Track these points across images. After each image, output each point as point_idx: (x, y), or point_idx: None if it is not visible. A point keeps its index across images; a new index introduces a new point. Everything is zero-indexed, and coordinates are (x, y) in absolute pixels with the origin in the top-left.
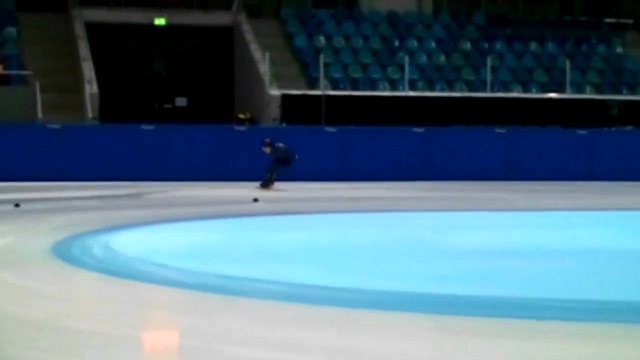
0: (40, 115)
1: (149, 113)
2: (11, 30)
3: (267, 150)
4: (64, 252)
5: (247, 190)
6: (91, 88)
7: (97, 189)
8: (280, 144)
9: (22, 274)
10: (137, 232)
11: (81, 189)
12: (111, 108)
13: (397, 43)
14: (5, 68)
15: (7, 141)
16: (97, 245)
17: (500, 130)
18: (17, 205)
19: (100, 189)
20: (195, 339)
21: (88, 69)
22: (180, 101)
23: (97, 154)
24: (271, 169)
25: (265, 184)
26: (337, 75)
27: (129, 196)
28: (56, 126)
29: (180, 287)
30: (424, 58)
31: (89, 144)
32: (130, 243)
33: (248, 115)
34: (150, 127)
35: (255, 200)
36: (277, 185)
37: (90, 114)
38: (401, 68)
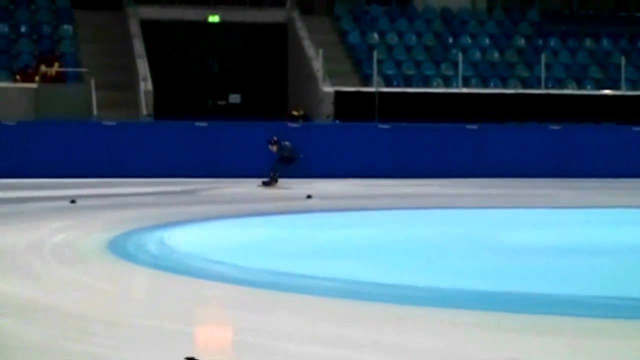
0: (95, 112)
1: (202, 110)
2: (67, 28)
3: (274, 148)
4: (120, 248)
5: (299, 186)
6: (146, 85)
7: (152, 186)
8: (287, 142)
9: (79, 269)
10: (191, 228)
11: (136, 186)
12: (165, 105)
13: (450, 40)
14: (61, 66)
15: (64, 138)
16: (152, 242)
17: (554, 127)
18: (73, 201)
19: (155, 185)
20: (250, 335)
21: (143, 67)
22: (234, 98)
23: (152, 151)
24: (275, 168)
25: (269, 182)
26: (390, 72)
27: (183, 193)
28: (111, 123)
29: (235, 283)
30: (477, 55)
31: (144, 140)
32: (185, 239)
33: (301, 112)
34: (204, 124)
35: (309, 197)
36: (281, 182)
37: (144, 111)
38: (455, 65)
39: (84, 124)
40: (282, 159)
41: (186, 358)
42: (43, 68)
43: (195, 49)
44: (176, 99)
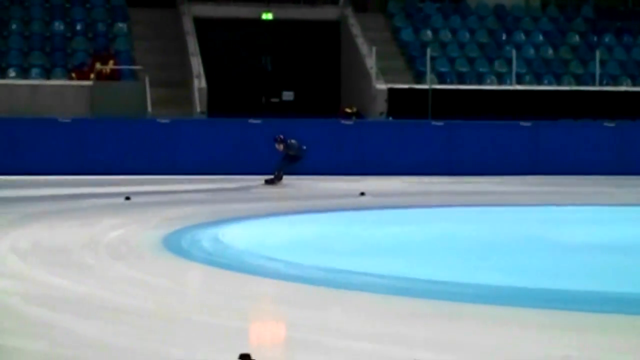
0: (149, 109)
1: (256, 107)
2: (122, 26)
3: (281, 147)
4: (174, 245)
5: (352, 183)
6: (199, 83)
7: (205, 183)
8: (293, 140)
9: (134, 266)
10: (245, 225)
11: (190, 183)
12: (219, 102)
13: (504, 36)
14: (116, 63)
15: (118, 135)
16: (206, 238)
17: (609, 124)
18: (127, 198)
19: (209, 182)
20: (304, 331)
21: (196, 64)
22: (287, 95)
23: (205, 148)
24: (280, 166)
25: (272, 180)
26: (443, 69)
27: (236, 190)
28: (165, 120)
29: (289, 280)
30: (531, 51)
31: (197, 138)
32: (239, 236)
33: (355, 109)
34: (258, 121)
35: (362, 194)
36: (285, 180)
37: (198, 108)
38: (508, 62)
39: (138, 121)
40: (288, 158)
41: (240, 354)
42: (98, 66)
43: (249, 47)
44: (230, 96)
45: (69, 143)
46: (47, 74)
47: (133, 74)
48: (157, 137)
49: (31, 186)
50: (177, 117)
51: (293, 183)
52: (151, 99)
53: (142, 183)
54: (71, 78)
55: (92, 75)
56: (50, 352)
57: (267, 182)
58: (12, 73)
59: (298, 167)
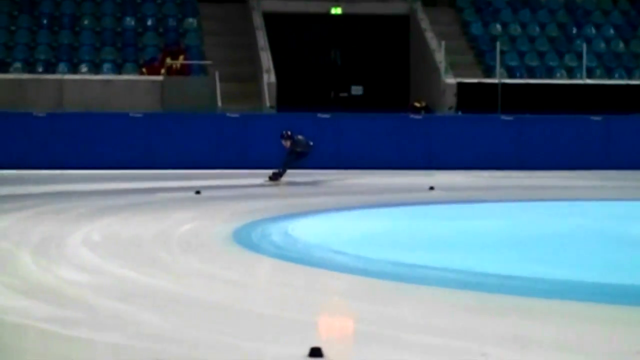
0: (219, 104)
1: (325, 101)
2: (192, 21)
3: (287, 143)
4: (244, 239)
5: (421, 177)
6: (269, 77)
7: None
8: (300, 137)
9: (205, 259)
10: (314, 219)
11: (259, 177)
12: (288, 97)
13: (574, 30)
14: (186, 58)
15: (189, 130)
16: (276, 232)
17: None
18: (198, 192)
19: None
20: (373, 325)
21: (266, 59)
22: (356, 90)
23: (275, 142)
24: (287, 162)
25: (276, 177)
26: (513, 63)
27: (306, 184)
28: (235, 115)
29: (358, 274)
30: (602, 45)
31: (267, 132)
32: (308, 230)
33: (424, 104)
34: (327, 116)
35: (432, 188)
36: (287, 176)
37: (267, 103)
38: (579, 56)
39: (208, 116)
40: (295, 154)
41: (311, 348)
42: (168, 61)
43: (318, 41)
44: (299, 90)
45: (140, 138)
46: (118, 69)
47: (203, 69)
48: (227, 131)
49: (103, 180)
50: (246, 111)
51: (361, 177)
52: (221, 93)
53: (212, 177)
54: (142, 73)
55: (162, 70)
56: (122, 344)
57: (272, 178)
58: (84, 68)
59: (367, 161)
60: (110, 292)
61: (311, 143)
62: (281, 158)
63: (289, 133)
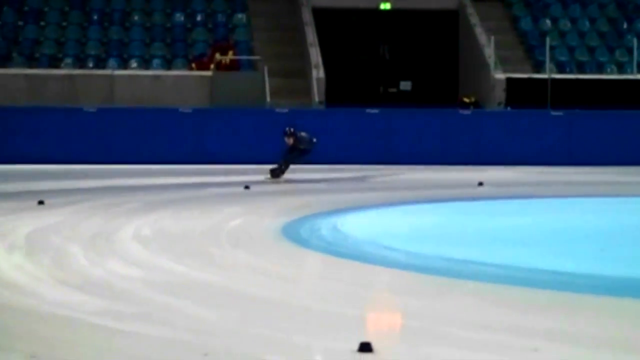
0: (268, 99)
1: (373, 97)
2: (241, 16)
3: (290, 140)
4: (293, 234)
5: (470, 173)
6: (318, 73)
7: (324, 172)
8: (303, 133)
9: (254, 254)
10: (363, 214)
11: (308, 172)
12: (337, 92)
13: (625, 25)
14: (235, 54)
15: (238, 125)
16: (325, 227)
17: None
18: (247, 187)
19: (326, 172)
20: (421, 320)
21: (315, 54)
22: (405, 85)
23: (323, 138)
24: (288, 160)
25: (277, 174)
26: (563, 58)
27: (354, 179)
28: (284, 110)
29: (407, 269)
30: None
31: (316, 127)
32: (357, 225)
33: (473, 99)
34: (375, 111)
35: (481, 184)
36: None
37: (316, 98)
38: (629, 51)
39: (257, 111)
40: (298, 151)
41: (361, 343)
42: (218, 56)
43: (367, 37)
44: (347, 86)
45: (190, 133)
46: (168, 64)
47: (252, 65)
48: (276, 126)
49: (153, 175)
50: (295, 107)
51: (410, 173)
52: (270, 89)
53: (260, 172)
54: (191, 68)
55: (211, 66)
56: (173, 337)
57: (272, 174)
58: (134, 64)
59: (416, 157)
60: (161, 286)
61: (314, 140)
62: (282, 154)
63: (292, 130)
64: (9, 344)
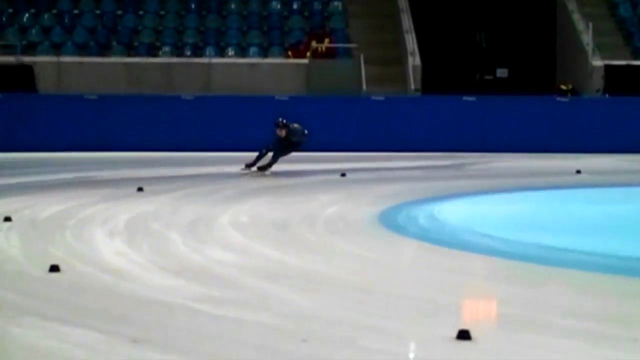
0: (364, 87)
1: (470, 84)
2: (337, 4)
3: (283, 133)
4: (391, 221)
5: (568, 161)
6: (414, 60)
7: (420, 160)
8: (296, 125)
9: (351, 241)
10: (460, 202)
11: (404, 160)
12: (433, 79)
13: None
14: (331, 41)
15: (334, 113)
16: (422, 215)
17: None
18: (343, 174)
19: (423, 159)
20: (519, 308)
21: (411, 42)
22: (501, 72)
23: (419, 125)
24: (277, 152)
25: (265, 167)
26: None
27: (451, 167)
28: (380, 98)
29: (504, 256)
30: None
31: (412, 115)
32: (454, 213)
33: (570, 87)
34: (472, 99)
35: (578, 172)
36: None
37: (412, 86)
38: None
39: (353, 99)
40: (290, 143)
41: (460, 330)
42: (314, 44)
43: (463, 24)
44: (444, 73)
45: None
46: (264, 52)
47: (348, 52)
48: (372, 114)
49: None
50: (391, 94)
51: (507, 160)
52: (366, 76)
53: (357, 160)
54: (288, 56)
55: (308, 54)
56: (271, 323)
57: (260, 168)
58: (231, 52)
59: (513, 144)
60: (257, 272)
61: (306, 132)
62: (271, 144)
63: (285, 121)
64: (110, 328)
